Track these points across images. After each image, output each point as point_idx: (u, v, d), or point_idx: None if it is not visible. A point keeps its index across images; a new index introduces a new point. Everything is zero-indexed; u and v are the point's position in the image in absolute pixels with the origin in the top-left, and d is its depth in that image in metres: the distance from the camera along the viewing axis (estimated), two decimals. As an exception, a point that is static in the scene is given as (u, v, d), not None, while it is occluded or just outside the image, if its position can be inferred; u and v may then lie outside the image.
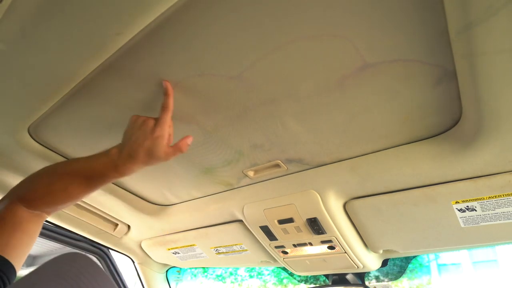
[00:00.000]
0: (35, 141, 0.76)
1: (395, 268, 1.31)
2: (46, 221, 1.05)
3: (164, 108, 0.57)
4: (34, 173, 0.62)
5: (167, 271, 1.51)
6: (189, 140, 0.61)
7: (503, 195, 0.62)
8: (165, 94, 0.58)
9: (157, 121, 0.57)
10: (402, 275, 1.33)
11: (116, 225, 1.17)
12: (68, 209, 1.06)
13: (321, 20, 0.44)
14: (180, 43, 0.49)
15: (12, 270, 0.52)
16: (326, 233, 0.84)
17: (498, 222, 0.67)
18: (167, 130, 0.57)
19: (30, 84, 0.57)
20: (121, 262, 1.42)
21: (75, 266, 0.40)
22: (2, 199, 0.60)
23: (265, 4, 0.43)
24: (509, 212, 0.64)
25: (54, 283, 0.36)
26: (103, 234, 1.18)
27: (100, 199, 1.01)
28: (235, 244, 1.09)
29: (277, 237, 0.93)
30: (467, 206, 0.66)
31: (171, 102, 0.58)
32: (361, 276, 1.13)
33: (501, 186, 0.60)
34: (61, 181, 0.58)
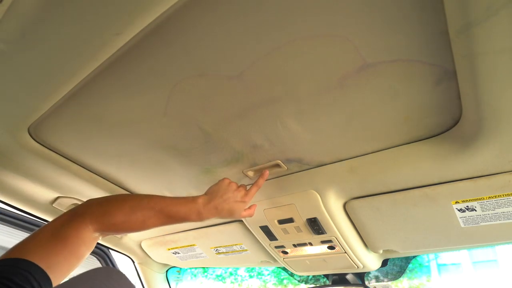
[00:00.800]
0: (35, 141, 0.76)
1: (395, 268, 1.31)
2: (46, 220, 1.05)
3: (256, 185, 0.76)
4: (112, 197, 0.62)
5: (167, 271, 1.51)
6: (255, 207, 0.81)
7: (503, 195, 0.62)
8: (262, 176, 0.77)
9: (248, 191, 0.74)
10: (402, 275, 1.33)
11: (116, 225, 1.17)
12: (68, 209, 1.05)
13: (321, 20, 0.44)
14: (180, 43, 0.49)
15: None
16: (326, 233, 0.84)
17: (498, 222, 0.67)
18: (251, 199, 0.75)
19: (30, 84, 0.57)
20: (121, 262, 1.42)
21: (110, 281, 0.39)
22: (68, 216, 0.57)
23: (265, 4, 0.43)
24: (509, 212, 0.64)
25: None
26: (103, 234, 1.18)
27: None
28: (235, 244, 1.09)
29: (277, 237, 0.93)
30: (467, 206, 0.66)
31: (262, 183, 0.77)
32: (361, 276, 1.13)
33: (501, 186, 0.60)
34: (143, 214, 0.62)
